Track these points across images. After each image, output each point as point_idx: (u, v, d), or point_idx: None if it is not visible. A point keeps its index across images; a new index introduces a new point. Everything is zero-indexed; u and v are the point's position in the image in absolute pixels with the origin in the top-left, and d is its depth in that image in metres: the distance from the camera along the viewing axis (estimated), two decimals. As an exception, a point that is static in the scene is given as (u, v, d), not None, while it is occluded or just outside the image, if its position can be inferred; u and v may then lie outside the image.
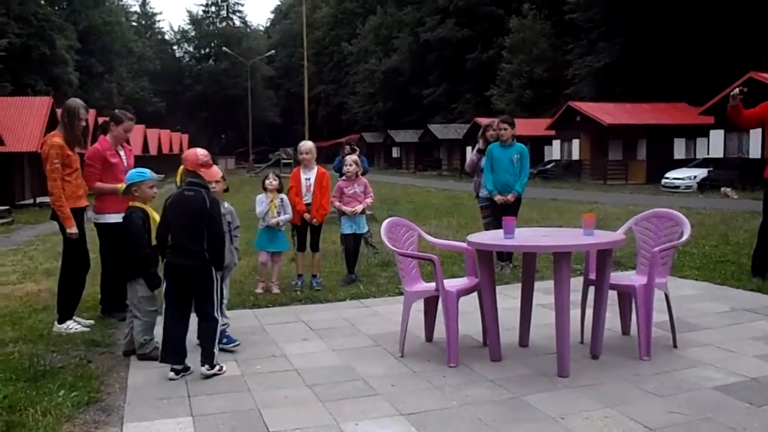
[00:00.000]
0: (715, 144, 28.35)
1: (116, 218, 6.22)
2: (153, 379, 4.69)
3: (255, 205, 7.38)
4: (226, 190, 5.47)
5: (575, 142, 36.44)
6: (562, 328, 4.51)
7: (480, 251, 5.01)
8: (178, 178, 7.35)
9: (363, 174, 8.21)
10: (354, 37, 77.97)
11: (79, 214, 5.99)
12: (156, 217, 5.09)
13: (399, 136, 62.37)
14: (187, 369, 4.73)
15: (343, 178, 8.01)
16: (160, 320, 5.00)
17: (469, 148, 31.44)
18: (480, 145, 8.58)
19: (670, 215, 5.29)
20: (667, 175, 28.40)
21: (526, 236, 5.14)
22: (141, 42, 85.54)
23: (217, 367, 4.72)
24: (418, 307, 5.36)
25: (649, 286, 4.89)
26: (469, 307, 5.42)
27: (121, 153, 6.37)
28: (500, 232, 5.09)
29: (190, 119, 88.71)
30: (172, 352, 4.72)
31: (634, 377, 4.46)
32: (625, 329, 5.46)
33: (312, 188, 7.46)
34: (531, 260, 5.36)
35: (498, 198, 8.07)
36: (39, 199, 24.90)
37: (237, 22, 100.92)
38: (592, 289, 5.08)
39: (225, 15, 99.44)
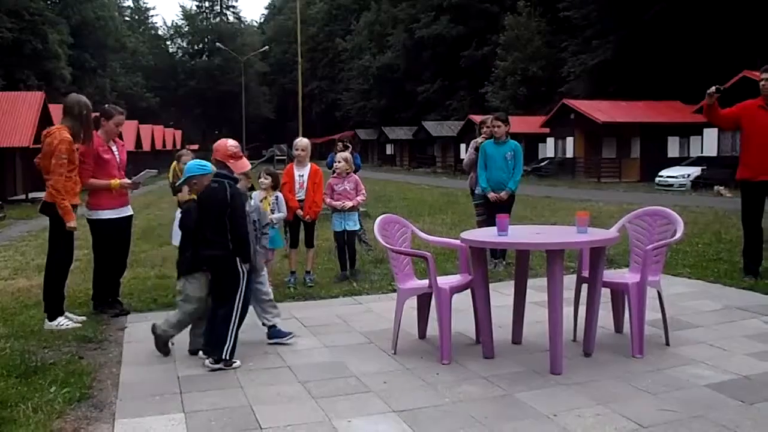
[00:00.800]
0: (708, 143, 28.44)
1: (110, 214, 6.21)
2: (145, 376, 4.68)
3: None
4: (251, 188, 5.39)
5: (569, 140, 36.48)
6: (555, 326, 4.51)
7: (473, 248, 5.01)
8: (170, 174, 7.32)
9: (354, 172, 8.15)
10: (348, 33, 77.92)
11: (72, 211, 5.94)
12: None
13: (393, 133, 62.33)
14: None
15: (334, 175, 7.94)
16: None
17: (463, 146, 31.47)
18: (480, 140, 8.52)
19: (663, 213, 5.29)
20: (660, 173, 28.47)
21: (519, 233, 5.14)
22: (134, 37, 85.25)
23: (225, 363, 4.68)
24: (411, 304, 5.36)
25: (642, 283, 4.90)
26: (463, 304, 5.42)
27: (114, 149, 6.32)
28: (494, 229, 5.09)
29: (184, 115, 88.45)
30: (213, 345, 4.77)
31: (626, 375, 4.47)
32: (618, 327, 5.47)
33: (305, 185, 7.45)
34: (524, 258, 5.36)
35: (491, 195, 8.06)
36: (31, 195, 24.81)
37: (231, 18, 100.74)
38: (585, 287, 5.08)
39: (219, 10, 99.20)
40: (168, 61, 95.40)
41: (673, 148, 32.45)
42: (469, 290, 5.15)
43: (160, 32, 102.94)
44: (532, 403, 4.03)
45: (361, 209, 8.69)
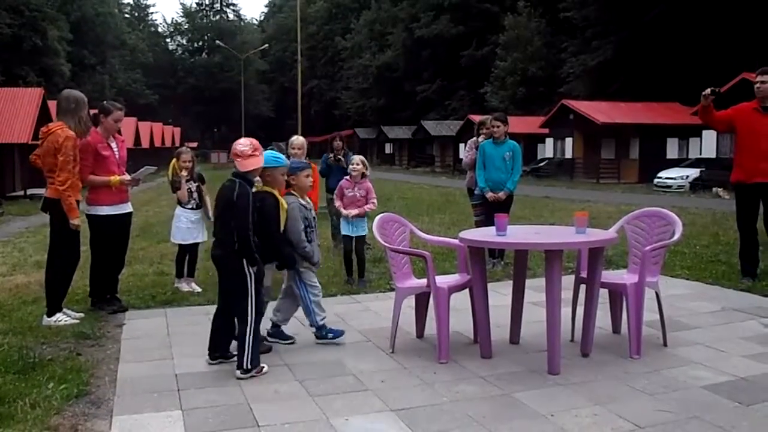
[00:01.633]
0: (707, 144, 28.49)
1: (109, 210, 6.21)
2: (143, 373, 4.68)
3: None
4: (288, 186, 5.23)
5: (568, 141, 36.51)
6: (552, 326, 4.52)
7: (472, 248, 5.01)
8: (169, 172, 7.31)
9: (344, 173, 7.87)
10: (348, 32, 77.87)
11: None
12: (284, 203, 5.00)
13: (392, 132, 62.34)
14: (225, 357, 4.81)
15: (347, 177, 7.56)
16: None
17: (462, 145, 31.41)
18: (480, 140, 8.50)
19: (662, 214, 5.30)
20: (659, 174, 28.50)
21: (518, 233, 5.14)
22: (134, 34, 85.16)
23: (255, 370, 4.56)
24: (409, 303, 5.36)
25: (640, 284, 4.90)
26: (461, 303, 5.42)
27: (113, 145, 6.31)
28: (492, 229, 5.09)
29: (183, 112, 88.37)
30: (210, 345, 4.82)
31: (623, 375, 4.48)
32: (616, 328, 5.48)
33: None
34: (523, 258, 5.37)
35: (490, 195, 8.06)
36: (30, 191, 24.76)
37: (231, 16, 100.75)
38: (583, 287, 5.08)
39: (219, 8, 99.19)
40: (167, 59, 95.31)
41: (672, 150, 32.48)
42: (467, 290, 5.15)
43: (159, 29, 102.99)
44: (530, 402, 4.03)
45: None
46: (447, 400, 4.12)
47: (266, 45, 75.49)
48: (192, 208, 7.26)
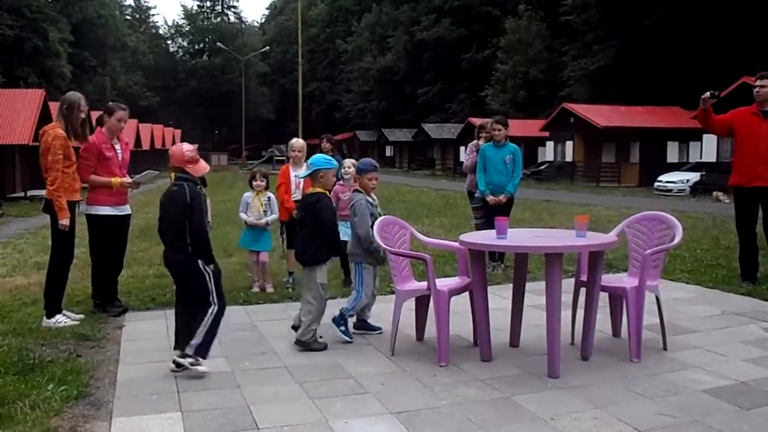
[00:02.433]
0: (708, 148, 28.46)
1: (108, 210, 6.23)
2: (142, 374, 4.68)
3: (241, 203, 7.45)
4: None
5: (569, 144, 36.51)
6: (552, 329, 4.51)
7: (472, 251, 5.01)
8: (172, 174, 7.33)
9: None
10: (349, 34, 77.82)
11: (71, 207, 5.96)
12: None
13: (393, 135, 62.33)
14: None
15: (341, 182, 7.45)
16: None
17: (463, 148, 31.44)
18: (481, 143, 8.49)
19: (662, 218, 5.30)
20: (659, 178, 28.47)
21: (518, 237, 5.15)
22: (135, 36, 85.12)
23: (194, 360, 4.57)
24: (410, 306, 5.36)
25: (641, 288, 4.90)
26: (461, 306, 5.42)
27: (117, 147, 6.36)
28: (492, 232, 5.09)
29: (184, 114, 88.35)
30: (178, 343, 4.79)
31: (624, 379, 4.48)
32: (616, 331, 5.47)
33: (302, 185, 7.39)
34: (523, 261, 5.37)
35: (490, 198, 8.07)
36: (30, 192, 24.77)
37: (232, 18, 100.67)
38: (583, 291, 5.08)
39: (220, 10, 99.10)
40: (168, 61, 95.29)
41: (673, 154, 32.47)
42: (467, 293, 5.15)
43: (160, 31, 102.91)
44: (530, 406, 4.03)
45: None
46: (447, 403, 4.12)
47: (267, 47, 75.59)
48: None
